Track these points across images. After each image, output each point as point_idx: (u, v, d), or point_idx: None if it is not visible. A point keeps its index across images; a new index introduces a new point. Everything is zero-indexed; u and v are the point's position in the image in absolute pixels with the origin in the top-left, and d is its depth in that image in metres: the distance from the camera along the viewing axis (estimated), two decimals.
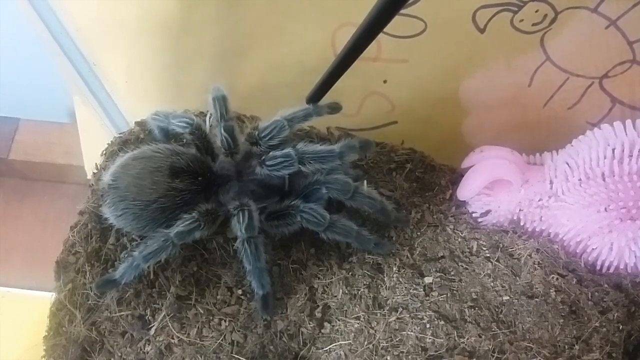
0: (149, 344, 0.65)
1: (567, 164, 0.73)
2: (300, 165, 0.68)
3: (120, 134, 0.85)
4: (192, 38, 0.83)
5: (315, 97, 0.72)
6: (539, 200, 0.75)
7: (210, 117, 0.83)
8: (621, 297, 0.70)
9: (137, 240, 0.70)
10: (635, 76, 0.82)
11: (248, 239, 0.64)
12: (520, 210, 0.76)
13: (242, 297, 0.68)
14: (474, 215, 0.79)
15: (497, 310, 0.68)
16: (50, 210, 1.37)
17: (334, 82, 0.67)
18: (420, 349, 0.64)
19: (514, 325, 0.67)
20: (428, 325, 0.65)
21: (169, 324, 0.65)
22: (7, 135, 1.41)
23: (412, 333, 0.65)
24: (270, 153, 0.69)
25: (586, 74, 0.84)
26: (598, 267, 0.73)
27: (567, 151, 0.75)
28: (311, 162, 0.68)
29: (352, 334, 0.65)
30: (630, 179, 0.68)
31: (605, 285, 0.70)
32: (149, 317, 0.66)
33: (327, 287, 0.70)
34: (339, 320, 0.67)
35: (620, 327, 0.67)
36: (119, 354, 0.65)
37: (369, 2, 0.52)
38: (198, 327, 0.66)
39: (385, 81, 0.88)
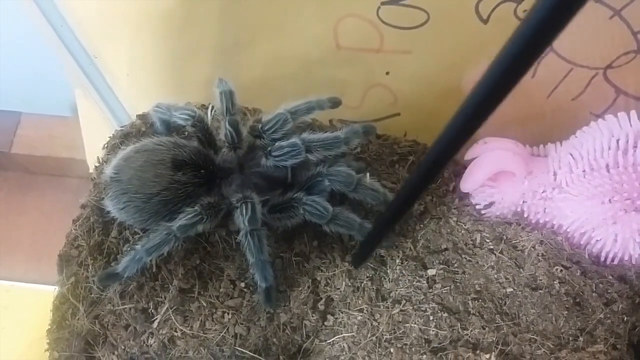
0: (152, 337, 0.65)
1: (571, 155, 0.72)
2: (307, 154, 0.68)
3: (122, 127, 0.85)
4: (194, 30, 0.83)
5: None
6: (542, 192, 0.74)
7: (212, 110, 0.82)
8: (625, 289, 0.70)
9: (139, 234, 0.70)
10: None
11: (251, 232, 0.64)
12: (524, 201, 0.75)
13: (245, 289, 0.68)
14: (477, 207, 0.78)
15: (500, 302, 0.68)
16: (53, 204, 1.38)
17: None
18: (423, 341, 0.64)
19: (518, 317, 0.66)
20: (431, 318, 0.65)
21: (172, 317, 0.65)
22: (10, 129, 1.41)
23: (415, 325, 0.65)
24: (277, 144, 0.69)
25: (590, 64, 0.83)
26: (602, 259, 0.72)
27: (571, 142, 0.75)
28: (318, 149, 0.68)
29: (356, 326, 0.65)
30: (635, 170, 0.68)
31: (610, 277, 0.70)
32: (152, 310, 0.66)
33: (330, 280, 0.70)
34: (342, 312, 0.67)
35: (625, 318, 0.67)
36: (122, 347, 0.65)
37: None
38: (201, 320, 0.66)
39: (387, 73, 0.88)
